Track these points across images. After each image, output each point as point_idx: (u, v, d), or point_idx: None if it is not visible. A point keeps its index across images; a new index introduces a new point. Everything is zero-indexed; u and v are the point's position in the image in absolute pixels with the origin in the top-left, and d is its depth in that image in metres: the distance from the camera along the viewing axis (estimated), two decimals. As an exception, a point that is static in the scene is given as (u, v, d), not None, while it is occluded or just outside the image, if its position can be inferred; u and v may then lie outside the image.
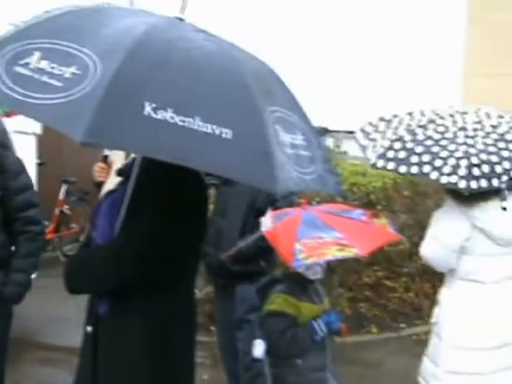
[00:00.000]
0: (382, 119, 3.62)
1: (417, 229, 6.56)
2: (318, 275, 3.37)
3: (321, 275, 3.38)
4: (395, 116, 3.62)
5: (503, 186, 3.30)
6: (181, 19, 2.48)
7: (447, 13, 15.19)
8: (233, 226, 3.97)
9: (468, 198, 3.35)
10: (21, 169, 3.95)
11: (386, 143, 3.40)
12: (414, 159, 3.30)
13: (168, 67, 2.15)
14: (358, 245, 2.93)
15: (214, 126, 2.04)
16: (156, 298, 2.56)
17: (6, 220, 3.84)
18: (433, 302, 3.83)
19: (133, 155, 2.66)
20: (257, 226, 3.52)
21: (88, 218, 2.90)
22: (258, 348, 3.52)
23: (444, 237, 3.45)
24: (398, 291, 7.22)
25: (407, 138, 3.39)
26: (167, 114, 2.01)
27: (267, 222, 3.27)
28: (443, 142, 3.33)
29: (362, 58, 15.83)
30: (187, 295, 2.73)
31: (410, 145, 3.35)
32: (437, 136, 3.37)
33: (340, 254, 2.91)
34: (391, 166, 3.34)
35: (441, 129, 3.42)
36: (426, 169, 3.26)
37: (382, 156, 3.36)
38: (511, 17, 14.84)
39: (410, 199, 7.23)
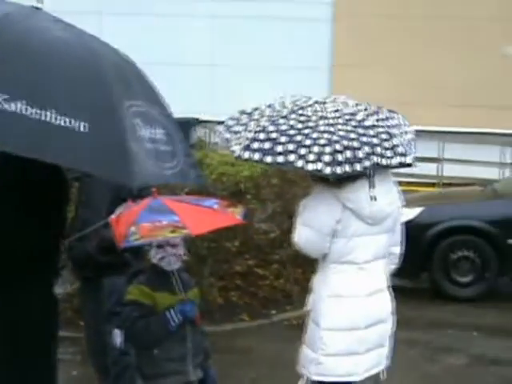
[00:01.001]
0: (243, 112, 3.68)
1: (286, 216, 6.69)
2: (174, 266, 3.39)
3: (177, 266, 3.40)
4: (256, 109, 3.68)
5: (371, 172, 3.43)
6: (37, 8, 2.42)
7: (314, 7, 15.63)
8: (98, 216, 3.89)
9: (336, 181, 3.46)
10: None
11: (250, 135, 3.44)
12: (279, 149, 3.36)
13: (22, 57, 2.08)
14: (190, 226, 3.06)
15: (70, 119, 2.00)
16: (11, 295, 2.49)
17: None
18: (303, 287, 3.91)
19: None
20: None
21: None
22: (115, 337, 3.53)
23: (317, 222, 3.53)
24: (268, 279, 7.34)
25: (271, 128, 3.44)
26: (20, 106, 1.95)
27: (117, 211, 3.30)
28: (306, 131, 3.41)
29: (234, 51, 16.00)
30: (45, 290, 2.68)
31: (273, 135, 3.41)
32: (299, 125, 3.45)
33: (171, 235, 3.08)
34: (257, 156, 3.39)
35: (302, 118, 3.50)
36: (292, 157, 3.33)
37: (247, 148, 3.40)
38: (374, 11, 15.46)
39: (278, 187, 7.33)
